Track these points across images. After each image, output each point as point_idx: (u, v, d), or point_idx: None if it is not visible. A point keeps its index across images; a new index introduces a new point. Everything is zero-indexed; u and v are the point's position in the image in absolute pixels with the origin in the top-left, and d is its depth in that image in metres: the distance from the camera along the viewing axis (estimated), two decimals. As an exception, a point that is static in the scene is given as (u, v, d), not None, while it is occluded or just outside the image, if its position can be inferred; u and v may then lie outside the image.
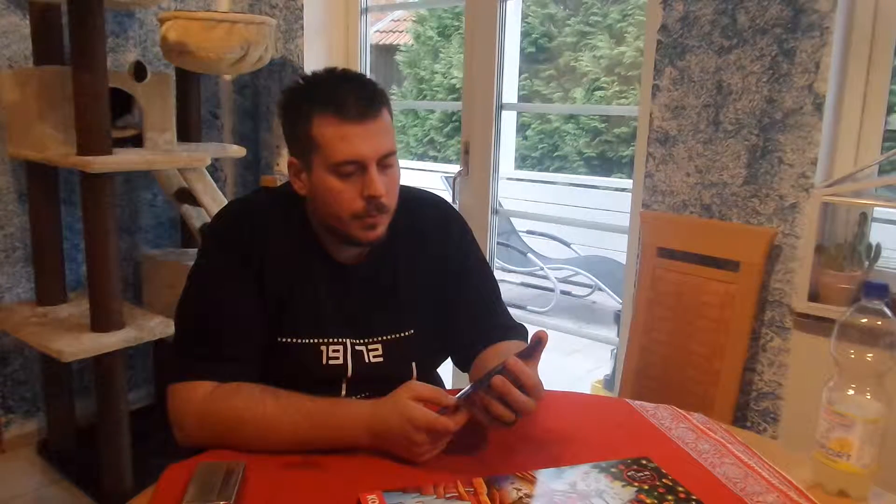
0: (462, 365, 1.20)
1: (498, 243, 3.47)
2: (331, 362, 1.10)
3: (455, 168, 2.53)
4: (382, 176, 1.03)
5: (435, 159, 9.84)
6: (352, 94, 1.01)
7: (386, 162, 1.04)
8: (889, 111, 1.65)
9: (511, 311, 1.25)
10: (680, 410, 1.11)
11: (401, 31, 10.42)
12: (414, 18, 10.04)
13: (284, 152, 2.87)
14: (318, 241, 1.12)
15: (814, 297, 1.67)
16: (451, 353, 1.23)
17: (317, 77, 1.06)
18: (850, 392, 0.87)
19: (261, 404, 0.96)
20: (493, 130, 2.38)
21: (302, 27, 2.71)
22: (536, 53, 9.22)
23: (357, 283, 1.13)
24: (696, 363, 1.77)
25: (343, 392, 1.11)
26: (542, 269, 5.14)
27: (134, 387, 2.68)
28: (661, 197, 1.92)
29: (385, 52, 10.18)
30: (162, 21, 2.31)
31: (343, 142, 1.01)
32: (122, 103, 2.29)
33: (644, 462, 0.93)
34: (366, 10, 2.82)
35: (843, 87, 1.67)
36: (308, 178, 1.06)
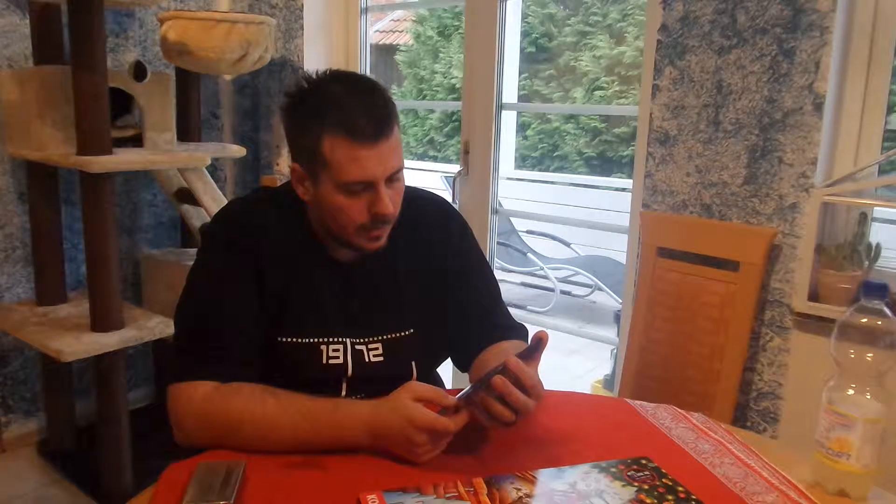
0: (462, 365, 1.20)
1: (498, 243, 3.47)
2: (331, 361, 1.09)
3: (455, 168, 2.53)
4: (389, 190, 1.03)
5: (435, 159, 9.84)
6: (364, 114, 0.99)
7: (394, 177, 1.04)
8: (889, 111, 1.64)
9: (511, 311, 1.25)
10: (680, 410, 1.11)
11: (401, 31, 10.42)
12: (414, 18, 10.04)
13: (284, 152, 2.87)
14: (318, 240, 1.12)
15: (814, 296, 1.67)
16: (451, 352, 1.23)
17: (325, 87, 1.03)
18: (850, 392, 0.87)
19: (261, 404, 0.96)
20: (493, 130, 2.38)
21: (302, 27, 2.71)
22: (536, 53, 9.22)
23: (357, 282, 1.13)
24: (696, 363, 1.77)
25: (343, 392, 1.11)
26: (542, 268, 5.14)
27: (134, 387, 2.68)
28: (661, 197, 1.92)
29: (385, 52, 10.18)
30: (162, 21, 2.31)
31: (354, 163, 0.99)
32: (122, 103, 2.29)
33: (644, 462, 0.93)
34: (366, 10, 2.82)
35: (843, 87, 1.67)
36: (313, 188, 1.05)
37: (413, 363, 1.14)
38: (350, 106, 1.00)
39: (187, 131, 2.58)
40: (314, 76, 1.05)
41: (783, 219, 1.71)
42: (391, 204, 1.02)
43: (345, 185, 1.01)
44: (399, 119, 1.06)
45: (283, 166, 2.88)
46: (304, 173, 1.05)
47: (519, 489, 0.86)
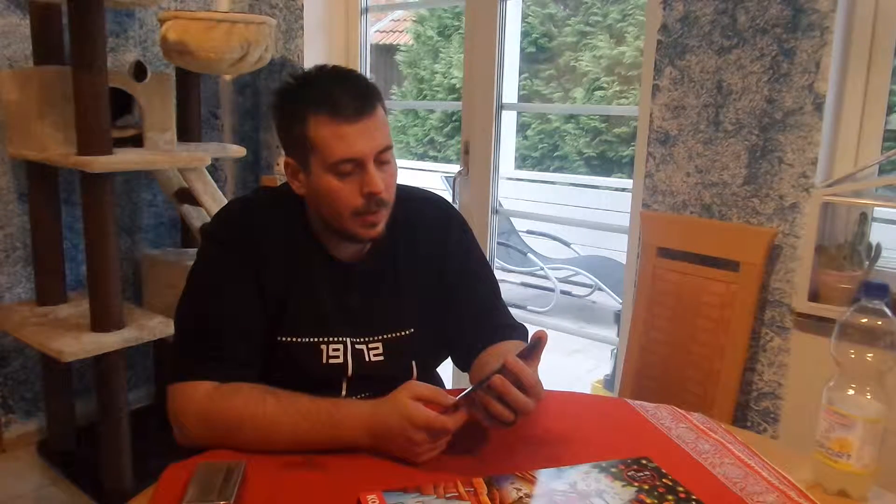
0: (462, 365, 1.20)
1: (498, 243, 3.47)
2: (331, 361, 1.10)
3: (455, 168, 2.53)
4: (380, 172, 1.04)
5: (435, 159, 9.83)
6: (345, 93, 1.02)
7: (383, 157, 1.04)
8: (889, 111, 1.64)
9: (511, 310, 1.25)
10: (680, 410, 1.11)
11: (401, 31, 10.41)
12: (414, 18, 10.03)
13: (283, 152, 2.87)
14: (318, 239, 1.12)
15: (814, 297, 1.67)
16: (451, 352, 1.23)
17: (309, 77, 1.06)
18: (850, 392, 0.87)
19: (261, 404, 0.96)
20: (493, 130, 2.38)
21: (302, 27, 2.71)
22: (536, 53, 9.21)
23: (357, 281, 1.13)
24: (696, 363, 1.77)
25: (343, 391, 1.11)
26: (542, 268, 5.14)
27: (134, 387, 2.68)
28: (661, 197, 1.92)
29: (385, 52, 10.17)
30: (162, 21, 2.31)
31: (340, 141, 1.01)
32: (122, 103, 2.29)
33: (644, 462, 0.93)
34: (366, 10, 2.83)
35: (843, 87, 1.67)
36: (306, 178, 1.06)
37: (413, 363, 1.15)
38: (331, 87, 1.03)
39: (187, 131, 2.58)
40: (300, 72, 1.08)
41: (783, 219, 1.71)
42: (381, 183, 1.03)
43: (333, 166, 1.02)
44: (384, 104, 1.08)
45: (283, 166, 2.87)
46: (296, 165, 1.07)
47: (519, 489, 0.86)
